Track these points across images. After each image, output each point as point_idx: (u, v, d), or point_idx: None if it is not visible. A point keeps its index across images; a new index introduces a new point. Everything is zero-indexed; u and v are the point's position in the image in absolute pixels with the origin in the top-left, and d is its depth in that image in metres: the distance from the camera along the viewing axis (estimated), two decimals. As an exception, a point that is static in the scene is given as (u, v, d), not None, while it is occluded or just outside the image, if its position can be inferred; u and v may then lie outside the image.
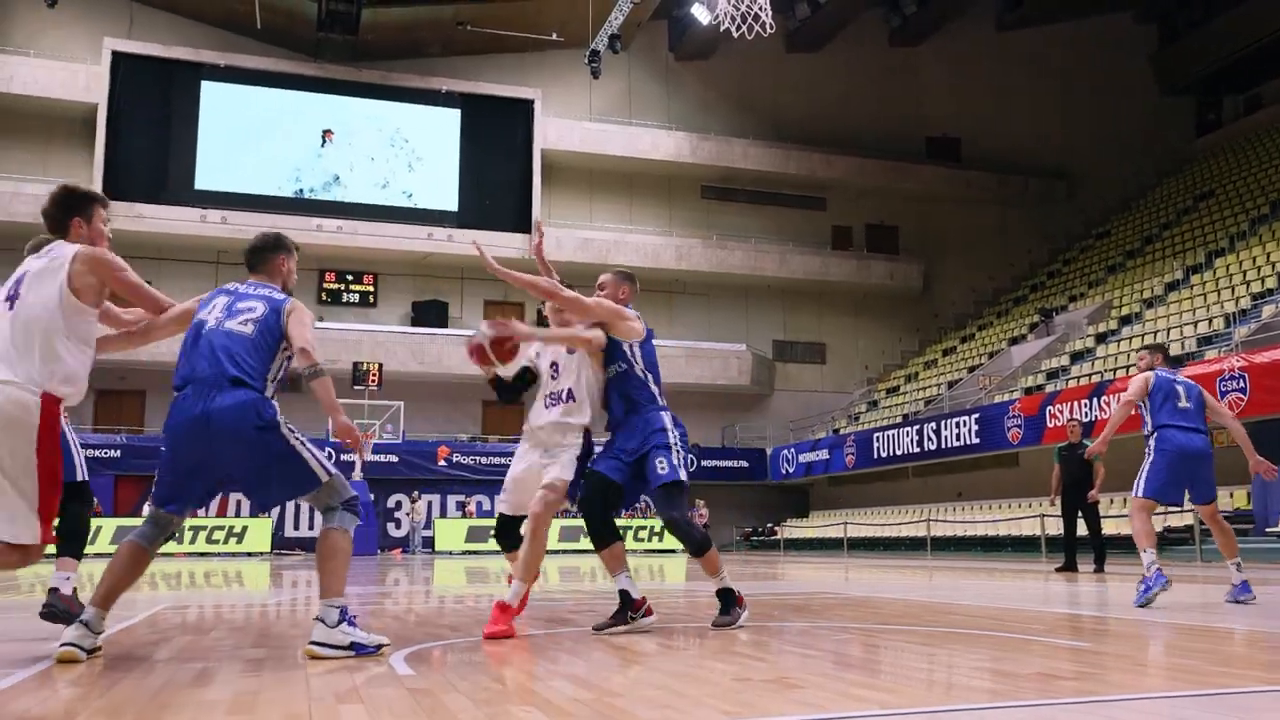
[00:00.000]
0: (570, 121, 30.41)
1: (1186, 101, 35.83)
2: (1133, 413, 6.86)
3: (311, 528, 24.24)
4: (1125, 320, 23.46)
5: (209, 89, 28.28)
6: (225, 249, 27.67)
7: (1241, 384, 14.90)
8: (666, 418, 4.73)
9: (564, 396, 4.88)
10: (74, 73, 27.01)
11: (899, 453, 23.36)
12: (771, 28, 4.97)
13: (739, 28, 4.91)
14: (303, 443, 3.85)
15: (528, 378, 5.01)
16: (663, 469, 4.54)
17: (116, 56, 27.35)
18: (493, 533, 5.31)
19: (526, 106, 29.92)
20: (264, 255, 4.25)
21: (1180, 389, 6.78)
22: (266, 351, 4.04)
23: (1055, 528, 13.93)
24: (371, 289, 29.44)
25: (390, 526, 25.36)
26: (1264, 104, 32.94)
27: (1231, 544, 6.65)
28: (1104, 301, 25.61)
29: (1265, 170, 27.91)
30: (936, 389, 27.08)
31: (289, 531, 24.96)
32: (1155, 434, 6.72)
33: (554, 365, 4.98)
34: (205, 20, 28.16)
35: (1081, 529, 11.84)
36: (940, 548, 20.28)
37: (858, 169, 32.40)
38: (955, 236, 33.42)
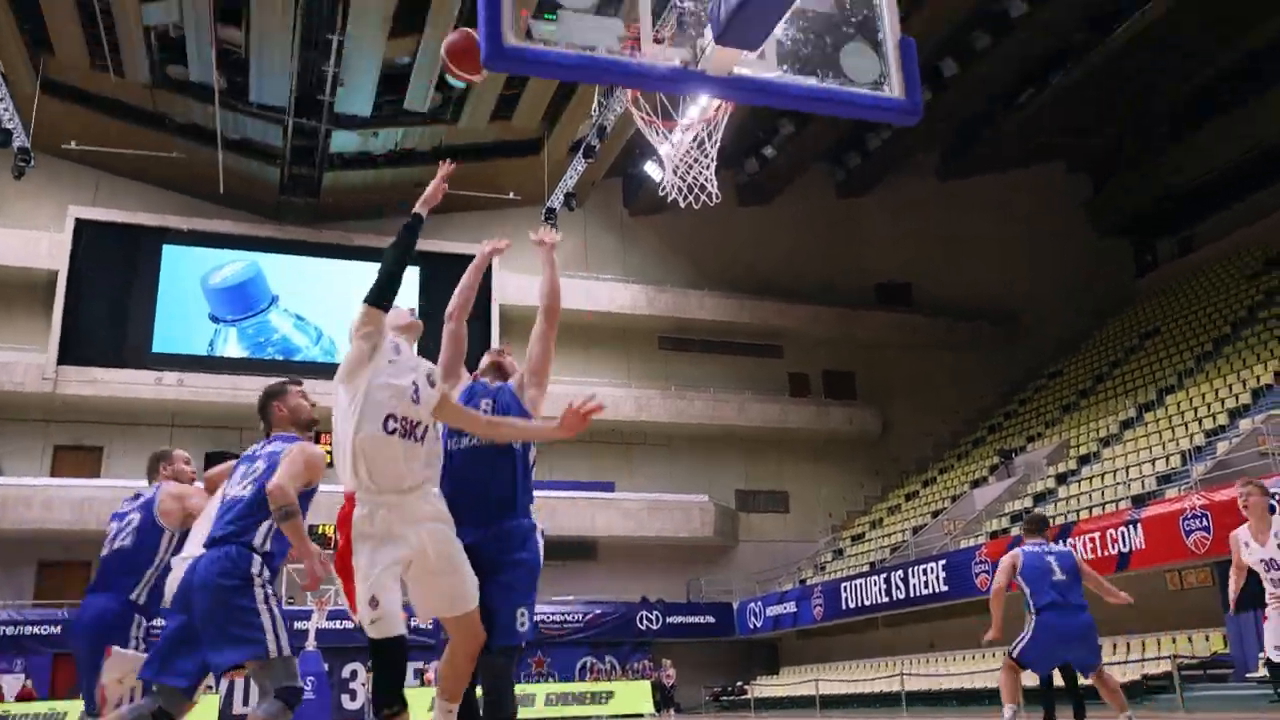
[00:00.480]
0: (528, 276, 30.77)
1: (1123, 244, 37.16)
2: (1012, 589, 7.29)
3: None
4: (1084, 459, 23.67)
5: (170, 252, 28.49)
6: (180, 411, 27.43)
7: (1205, 523, 14.95)
8: None
9: None
10: (36, 240, 27.14)
11: (868, 603, 23.03)
12: (717, 197, 5.14)
13: (685, 198, 5.10)
14: (270, 608, 3.72)
15: None
16: None
17: (80, 223, 27.58)
18: None
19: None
20: (262, 413, 4.42)
21: (1052, 561, 7.12)
22: (261, 507, 3.93)
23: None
24: (329, 449, 29.04)
25: (345, 698, 24.40)
26: (1195, 246, 34.21)
27: (1119, 699, 7.09)
28: (1062, 441, 25.88)
29: (1204, 309, 28.75)
30: (901, 535, 26.96)
31: (238, 708, 23.94)
32: (1034, 617, 7.05)
33: None
34: (170, 186, 28.56)
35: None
36: (915, 702, 19.81)
37: (811, 317, 32.98)
38: (910, 380, 33.86)
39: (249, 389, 26.89)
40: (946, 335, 34.34)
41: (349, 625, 24.55)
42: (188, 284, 28.50)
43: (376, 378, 3.81)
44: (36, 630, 22.65)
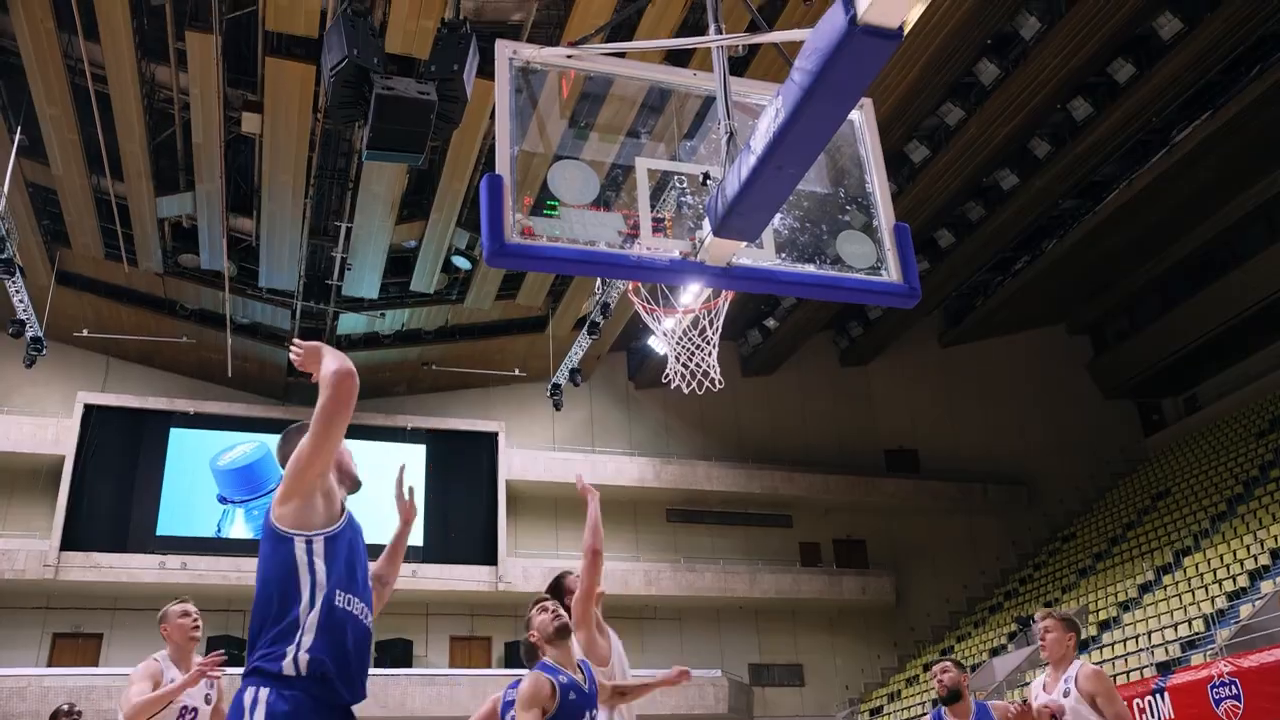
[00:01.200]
0: (534, 451, 30.85)
1: (1129, 404, 37.23)
2: None
3: None
4: (1104, 625, 23.10)
5: (177, 435, 28.61)
6: (183, 595, 27.01)
7: (1234, 690, 14.48)
8: None
9: None
10: (44, 426, 27.32)
11: (891, 781, 22.09)
12: (720, 384, 5.22)
13: (689, 385, 5.17)
14: None
15: None
16: None
17: (88, 409, 27.79)
18: None
19: (490, 439, 30.41)
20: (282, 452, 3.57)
21: None
22: (279, 597, 3.06)
23: None
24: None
25: None
26: (1201, 405, 34.27)
27: None
28: (1080, 606, 25.31)
29: (1215, 468, 28.56)
30: (921, 708, 26.06)
31: None
32: None
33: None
34: (178, 370, 28.94)
35: None
36: None
37: (820, 485, 32.79)
38: (923, 547, 33.41)
39: (253, 570, 26.61)
40: (956, 500, 34.04)
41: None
42: (194, 466, 28.51)
43: None
44: None
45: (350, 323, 27.70)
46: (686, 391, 5.49)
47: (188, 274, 25.89)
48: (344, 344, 28.33)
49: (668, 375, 5.54)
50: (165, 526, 27.61)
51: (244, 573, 25.65)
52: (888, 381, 35.30)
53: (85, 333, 26.31)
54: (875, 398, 35.18)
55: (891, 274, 3.56)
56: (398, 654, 28.09)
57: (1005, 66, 22.62)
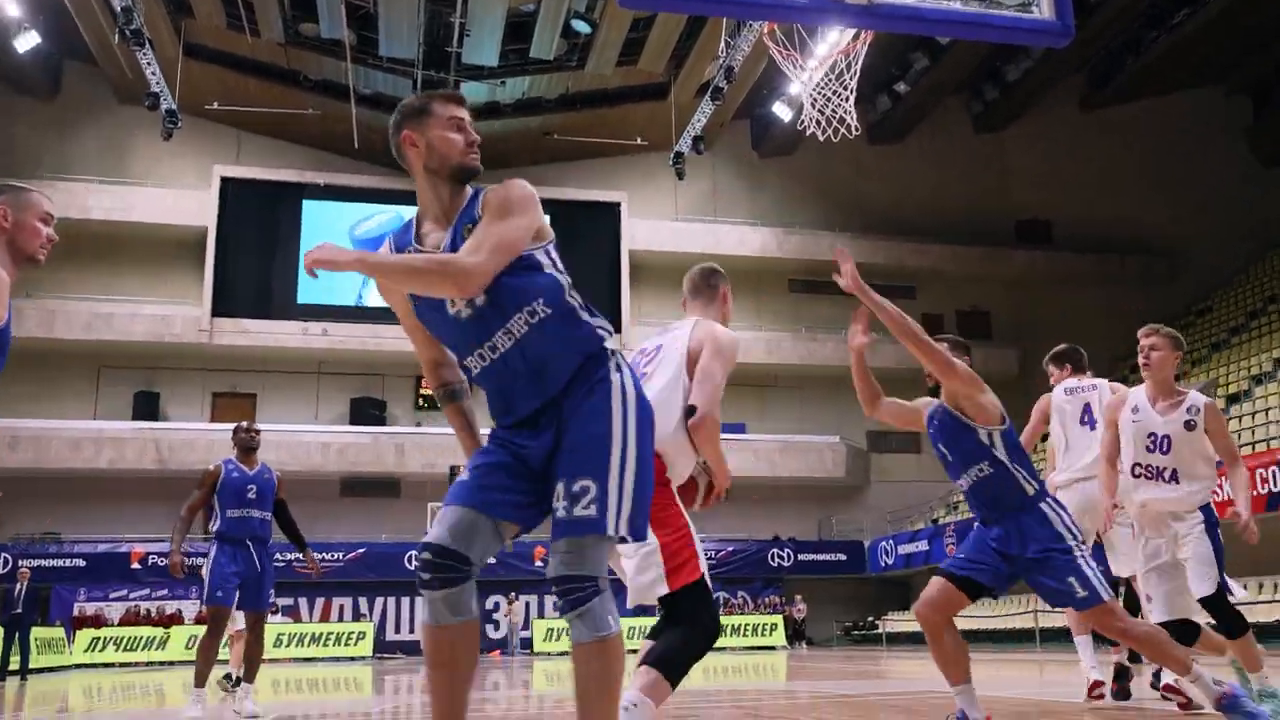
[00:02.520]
0: (656, 221, 30.89)
1: (1286, 173, 35.01)
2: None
3: (412, 630, 24.33)
4: (1233, 398, 22.66)
5: (309, 207, 29.48)
6: (325, 360, 28.65)
7: (1368, 462, 14.21)
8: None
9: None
10: (186, 199, 28.45)
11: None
12: (857, 129, 5.02)
13: (824, 130, 4.98)
14: None
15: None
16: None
17: (225, 181, 28.77)
18: None
19: (613, 209, 30.51)
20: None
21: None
22: None
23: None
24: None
25: (489, 629, 25.35)
26: (1368, 171, 32.03)
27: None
28: (1210, 380, 24.80)
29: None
30: (1041, 471, 26.33)
31: (390, 635, 25.13)
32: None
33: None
34: (306, 143, 29.49)
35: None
36: (1050, 639, 19.47)
37: (947, 256, 32.18)
38: (1050, 320, 32.73)
39: (390, 337, 27.90)
40: (1090, 272, 33.07)
41: (490, 560, 25.31)
42: (330, 236, 29.36)
43: None
44: (210, 565, 24.22)
45: (471, 91, 27.56)
46: (822, 139, 5.38)
47: (309, 43, 25.97)
48: (466, 114, 28.35)
49: (802, 123, 5.41)
50: (306, 295, 28.89)
51: (381, 339, 26.89)
52: (1023, 149, 33.80)
53: (216, 105, 26.84)
54: (1009, 166, 33.82)
55: (1044, 9, 3.37)
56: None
57: None
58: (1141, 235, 33.49)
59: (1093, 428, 6.00)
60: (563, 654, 23.63)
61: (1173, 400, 4.79)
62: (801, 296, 32.00)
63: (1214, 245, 33.21)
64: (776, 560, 27.95)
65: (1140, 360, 4.99)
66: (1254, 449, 18.30)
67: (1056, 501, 4.07)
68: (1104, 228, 33.33)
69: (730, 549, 27.48)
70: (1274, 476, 15.78)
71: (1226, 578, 4.54)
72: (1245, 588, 6.92)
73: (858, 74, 5.36)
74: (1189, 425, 4.67)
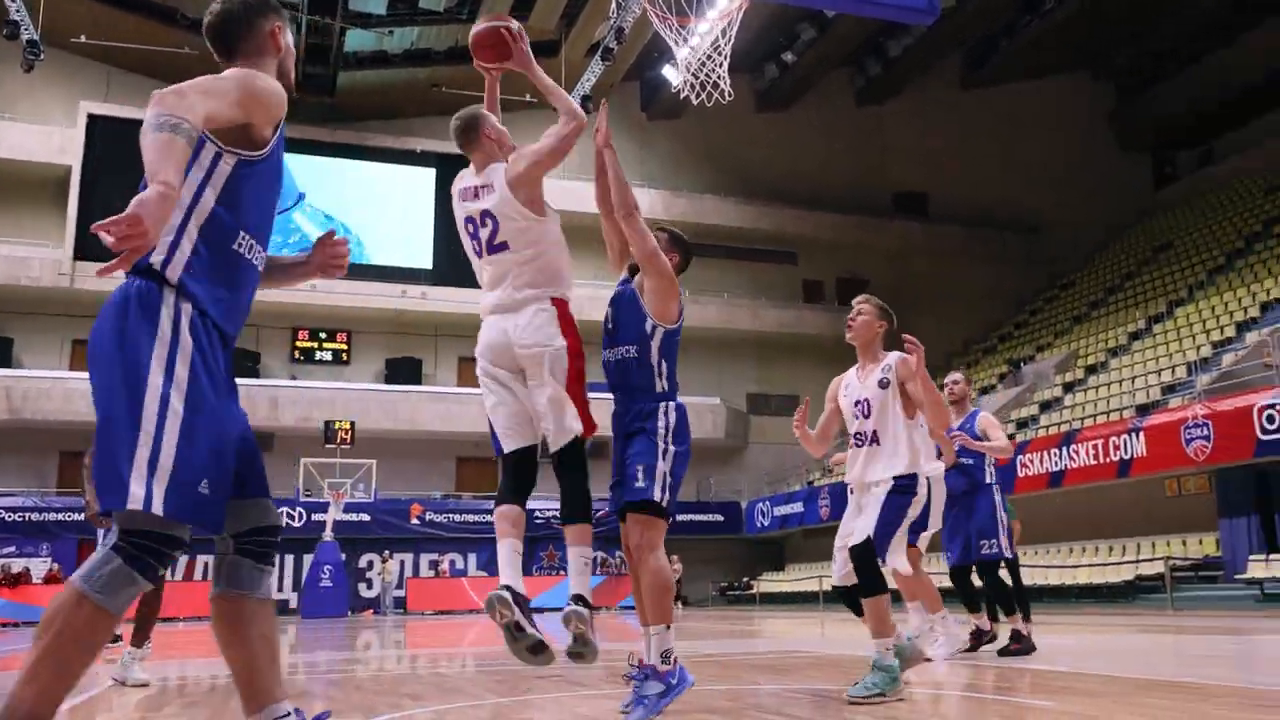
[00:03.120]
0: (545, 180, 30.74)
1: (1144, 157, 36.76)
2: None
3: (280, 590, 23.98)
4: (1091, 370, 23.84)
5: (184, 150, 28.41)
6: (198, 308, 27.81)
7: (1206, 431, 15.18)
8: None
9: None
10: (49, 135, 27.15)
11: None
12: (730, 95, 5.19)
13: (698, 96, 5.15)
14: None
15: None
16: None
17: (92, 119, 27.49)
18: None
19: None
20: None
21: None
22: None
23: (1031, 578, 13.99)
24: (345, 347, 29.48)
25: (362, 587, 25.14)
26: (1216, 159, 33.84)
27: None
28: (1070, 351, 26.03)
29: (1219, 223, 28.60)
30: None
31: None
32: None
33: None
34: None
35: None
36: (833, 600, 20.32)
37: (827, 224, 32.92)
38: (924, 289, 33.86)
39: (266, 289, 27.14)
40: (963, 244, 34.26)
41: (365, 518, 25.16)
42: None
43: None
44: (61, 517, 23.31)
45: (358, 39, 26.97)
46: (695, 104, 5.50)
47: (188, -20, 24.98)
48: (351, 62, 27.71)
49: (678, 87, 5.53)
50: (177, 240, 27.87)
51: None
52: (903, 123, 34.69)
53: (84, 39, 25.63)
54: (889, 139, 34.69)
55: (913, -11, 3.56)
56: (408, 373, 29.14)
57: None
58: (1011, 211, 34.79)
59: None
60: (439, 614, 23.66)
61: (873, 365, 4.99)
62: (685, 260, 32.28)
63: (1078, 223, 34.74)
64: (654, 519, 28.37)
65: (846, 326, 5.18)
66: (1108, 417, 19.33)
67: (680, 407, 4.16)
68: (977, 203, 34.52)
69: (607, 509, 27.75)
70: (1125, 444, 16.70)
71: (891, 548, 4.55)
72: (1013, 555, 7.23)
73: (732, 39, 5.48)
74: (882, 384, 4.86)
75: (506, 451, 3.76)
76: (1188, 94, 33.29)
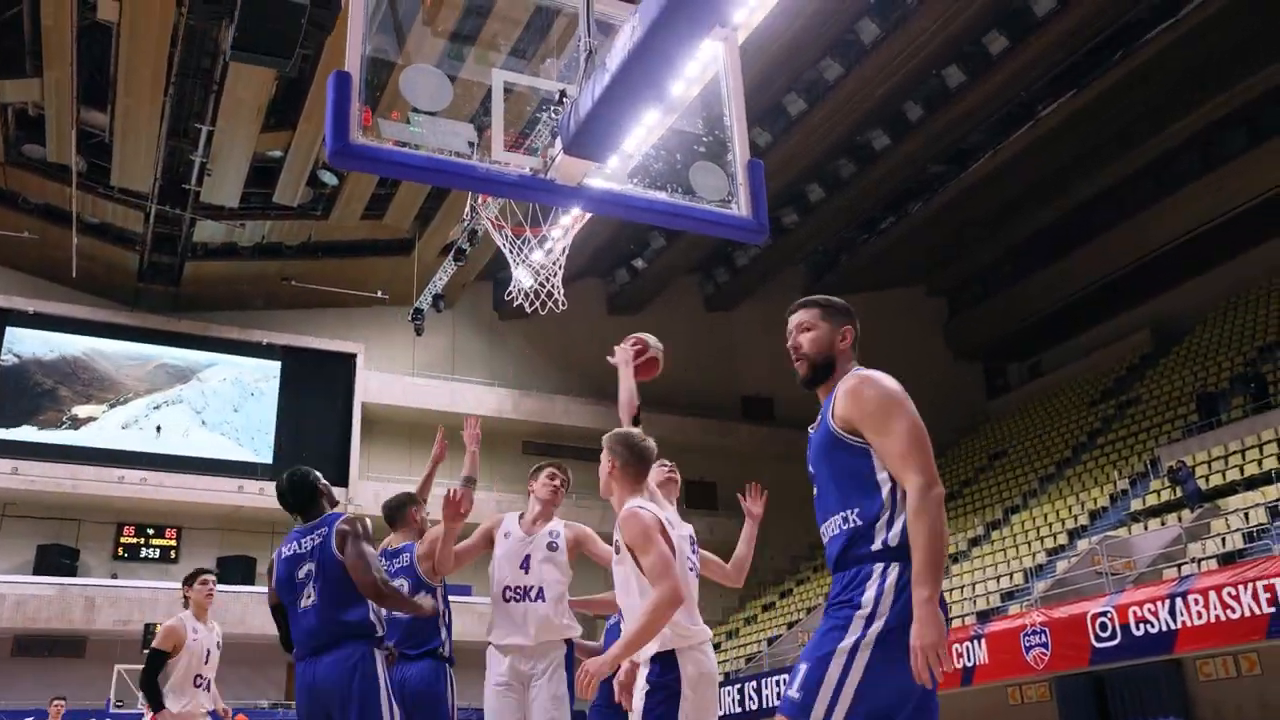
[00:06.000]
0: (392, 376, 30.42)
1: (977, 367, 38.84)
2: None
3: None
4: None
5: (14, 334, 27.17)
6: (12, 501, 26.01)
7: (1044, 639, 15.42)
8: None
9: None
10: None
11: (721, 713, 22.82)
12: (564, 305, 5.23)
13: (532, 305, 5.19)
14: None
15: None
16: None
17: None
18: None
19: (349, 360, 29.84)
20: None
21: None
22: None
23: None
24: (174, 544, 27.83)
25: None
26: (1043, 372, 36.00)
27: None
28: (913, 556, 26.44)
29: (1048, 432, 30.10)
30: (758, 646, 26.99)
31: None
32: None
33: None
34: (19, 267, 27.39)
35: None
36: (767, 815, 19.63)
37: (676, 427, 33.25)
38: (772, 493, 33.43)
39: (89, 480, 25.77)
40: (806, 449, 34.99)
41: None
42: (34, 366, 27.18)
43: None
44: None
45: (208, 230, 26.63)
46: (529, 311, 5.48)
47: (32, 165, 24.44)
48: (200, 253, 27.30)
49: (510, 292, 5.52)
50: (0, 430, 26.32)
51: (79, 480, 24.86)
52: (749, 330, 35.90)
53: (-86, 218, 24.63)
54: (737, 344, 35.78)
55: (742, 208, 3.61)
56: (240, 572, 27.55)
57: (886, 27, 22.96)
58: (854, 417, 35.92)
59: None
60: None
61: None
62: (536, 459, 31.46)
63: (917, 430, 36.03)
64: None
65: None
66: (949, 624, 19.46)
67: None
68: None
69: None
70: (968, 652, 16.79)
71: None
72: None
73: (567, 250, 5.54)
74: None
75: None
76: (1015, 309, 35.58)
